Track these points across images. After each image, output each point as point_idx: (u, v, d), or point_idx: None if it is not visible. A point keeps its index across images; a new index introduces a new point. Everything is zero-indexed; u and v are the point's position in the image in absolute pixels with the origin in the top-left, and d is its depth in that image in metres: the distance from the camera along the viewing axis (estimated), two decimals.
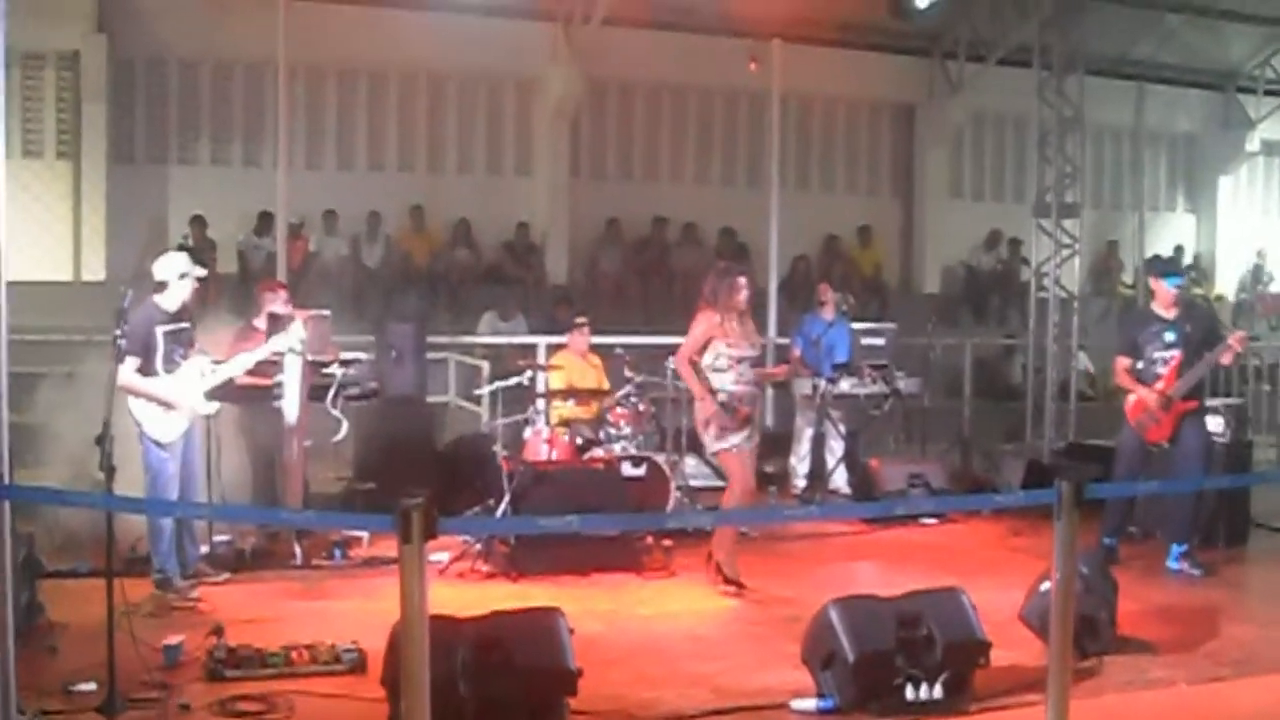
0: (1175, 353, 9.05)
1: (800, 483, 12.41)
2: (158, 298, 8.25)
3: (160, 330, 8.16)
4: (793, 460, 12.57)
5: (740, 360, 8.46)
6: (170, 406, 8.14)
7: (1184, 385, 9.01)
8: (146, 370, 8.06)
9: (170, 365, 8.19)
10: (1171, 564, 9.16)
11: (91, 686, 6.05)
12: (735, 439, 8.46)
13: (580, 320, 11.86)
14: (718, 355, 8.45)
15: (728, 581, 8.49)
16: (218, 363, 8.55)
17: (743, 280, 8.55)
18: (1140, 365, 9.22)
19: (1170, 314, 9.19)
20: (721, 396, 8.39)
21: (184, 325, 8.35)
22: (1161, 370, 9.09)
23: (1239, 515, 10.26)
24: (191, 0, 15.72)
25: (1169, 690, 6.47)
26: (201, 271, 8.54)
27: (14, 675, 5.31)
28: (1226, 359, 9.21)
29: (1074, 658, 5.77)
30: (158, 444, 8.11)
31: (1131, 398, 9.25)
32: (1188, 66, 20.46)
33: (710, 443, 8.59)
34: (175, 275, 8.28)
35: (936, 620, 6.11)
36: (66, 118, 15.88)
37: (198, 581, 8.35)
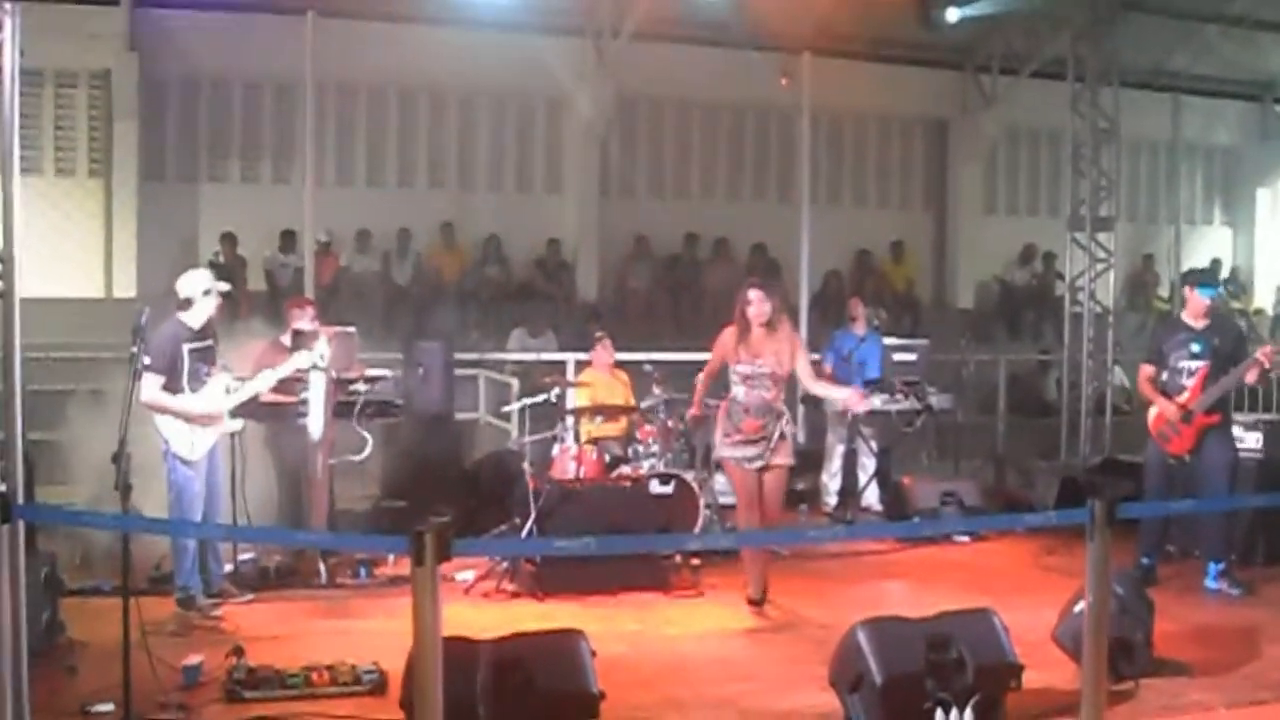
0: (1201, 364, 8.89)
1: (832, 500, 12.29)
2: (182, 315, 8.23)
3: (186, 348, 8.14)
4: (824, 477, 12.45)
5: (747, 378, 8.39)
6: (196, 423, 8.12)
7: (1207, 399, 8.84)
8: (172, 388, 8.04)
9: (196, 383, 8.17)
10: (1210, 583, 8.97)
11: (109, 707, 5.99)
12: (738, 451, 8.40)
13: (600, 334, 11.76)
14: (731, 372, 8.51)
15: (749, 601, 8.46)
16: (241, 379, 8.52)
17: (750, 294, 8.42)
18: (1165, 375, 9.08)
19: (1199, 324, 9.02)
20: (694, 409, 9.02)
21: (208, 343, 8.33)
22: (1186, 382, 8.93)
23: (1276, 532, 10.05)
24: (222, 19, 15.75)
25: (1207, 714, 6.31)
26: (225, 287, 8.55)
27: (28, 696, 5.26)
28: (1252, 377, 8.98)
29: (1109, 680, 5.64)
30: (183, 461, 8.08)
31: (1153, 410, 9.12)
32: (1224, 78, 20.23)
33: (715, 447, 8.67)
34: (199, 291, 8.25)
35: (967, 642, 5.97)
36: (98, 136, 15.94)
37: (221, 600, 8.30)
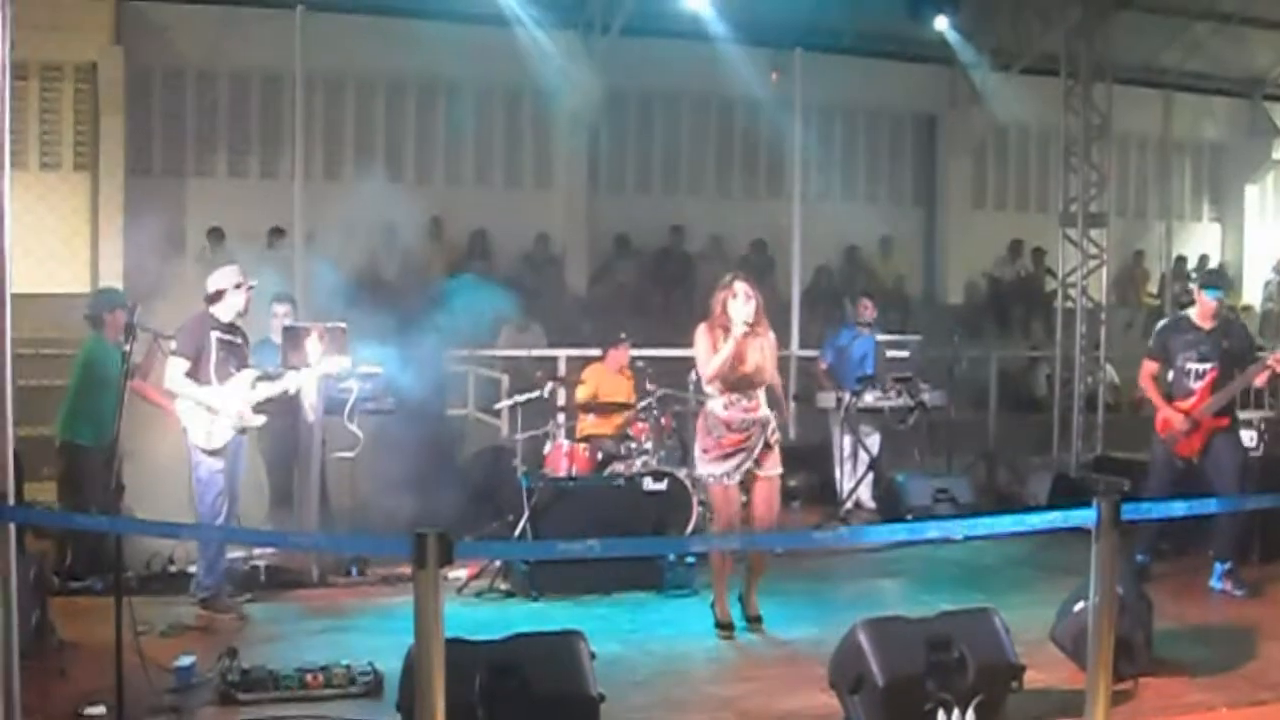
0: (1210, 366, 8.86)
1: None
2: (212, 308, 8.17)
3: (214, 336, 8.08)
4: (836, 474, 12.26)
5: (730, 387, 7.68)
6: (215, 412, 8.01)
7: (1215, 404, 8.83)
8: (198, 376, 7.97)
9: (223, 374, 8.09)
10: (1215, 583, 8.93)
11: (101, 710, 5.91)
12: (716, 467, 7.70)
13: (622, 337, 11.56)
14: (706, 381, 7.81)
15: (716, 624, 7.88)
16: (264, 378, 8.41)
17: (737, 286, 7.64)
18: (1171, 375, 9.05)
19: (1207, 325, 9.00)
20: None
21: (237, 340, 8.29)
22: (1194, 384, 8.90)
23: (1274, 531, 10.03)
24: (208, 12, 15.65)
25: (1209, 715, 6.28)
26: (254, 281, 8.47)
27: (19, 700, 5.18)
28: (1261, 380, 8.98)
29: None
30: (205, 452, 7.98)
31: (1161, 412, 9.08)
32: (1214, 74, 20.22)
33: (696, 465, 8.02)
34: (231, 285, 8.21)
35: (968, 642, 5.92)
36: (84, 130, 15.81)
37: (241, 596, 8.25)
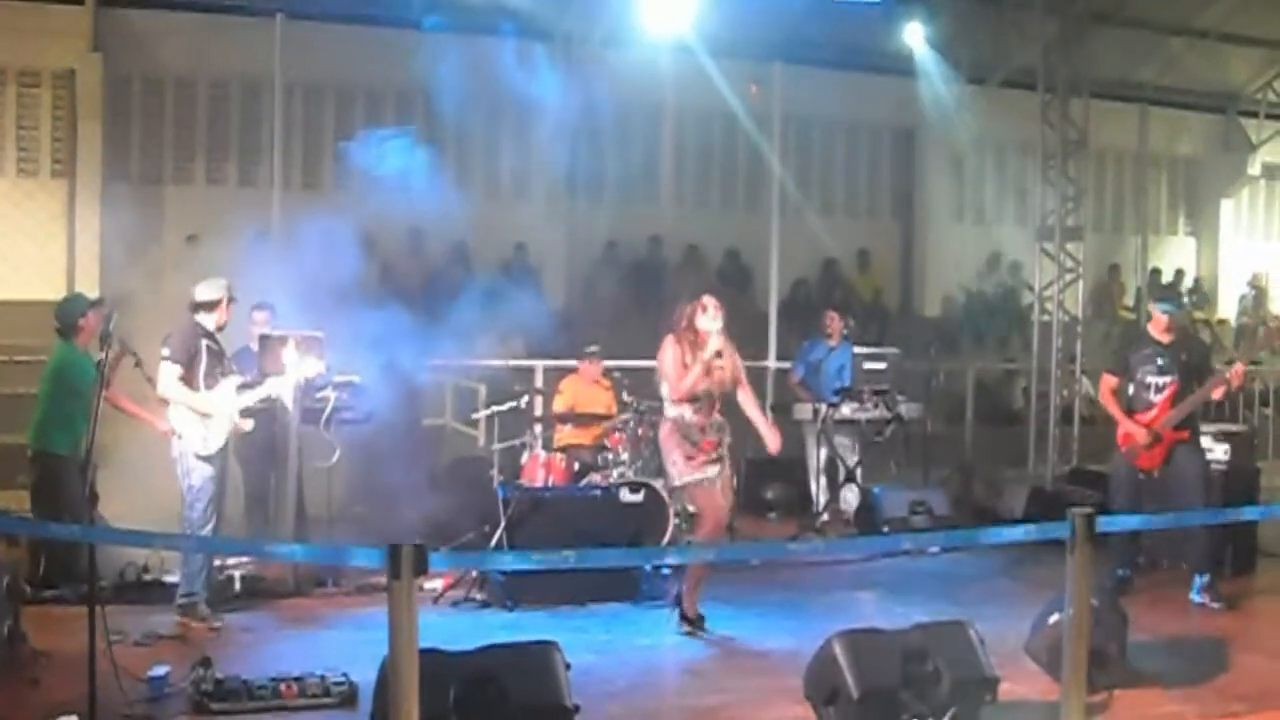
0: (1169, 379, 8.92)
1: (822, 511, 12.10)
2: (199, 317, 8.18)
3: (204, 344, 8.10)
4: (812, 486, 12.28)
5: (695, 397, 7.97)
6: (207, 416, 7.99)
7: (1174, 417, 8.89)
8: (188, 382, 7.98)
9: (210, 382, 8.09)
10: (1194, 596, 8.98)
11: (73, 719, 5.87)
12: (703, 473, 7.97)
13: (592, 349, 11.59)
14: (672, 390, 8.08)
15: (684, 619, 8.11)
16: (246, 386, 8.40)
17: (706, 300, 8.05)
18: (1131, 389, 9.12)
19: (1165, 339, 9.06)
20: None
21: (220, 348, 8.30)
22: (1154, 398, 8.97)
23: (1246, 543, 10.10)
24: (188, 19, 15.61)
25: None
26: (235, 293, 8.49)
27: None
28: (1218, 394, 9.06)
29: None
30: (200, 458, 7.96)
31: (1122, 426, 9.12)
32: (1190, 89, 20.36)
33: (675, 475, 8.11)
34: (227, 296, 8.26)
35: (943, 655, 5.94)
36: (62, 136, 15.74)
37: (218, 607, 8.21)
